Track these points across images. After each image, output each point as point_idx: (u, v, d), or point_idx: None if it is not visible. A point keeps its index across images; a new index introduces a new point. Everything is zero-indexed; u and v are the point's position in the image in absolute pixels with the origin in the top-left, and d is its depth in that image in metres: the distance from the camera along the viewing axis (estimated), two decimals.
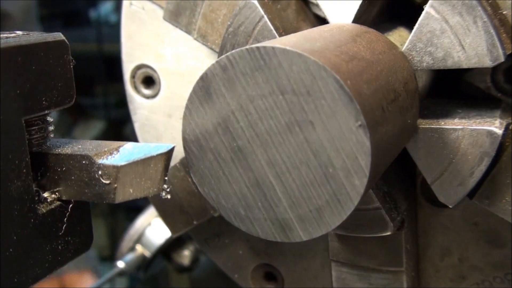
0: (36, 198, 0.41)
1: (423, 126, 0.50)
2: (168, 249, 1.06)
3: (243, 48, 0.39)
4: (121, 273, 1.02)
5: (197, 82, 0.41)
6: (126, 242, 1.04)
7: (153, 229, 1.02)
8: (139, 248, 1.03)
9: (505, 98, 0.56)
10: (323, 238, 0.61)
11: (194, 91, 0.41)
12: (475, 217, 0.58)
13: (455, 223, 0.59)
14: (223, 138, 0.41)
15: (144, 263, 1.04)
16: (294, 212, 0.40)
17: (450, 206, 0.52)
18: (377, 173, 0.42)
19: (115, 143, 0.43)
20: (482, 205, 0.52)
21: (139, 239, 1.03)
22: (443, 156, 0.50)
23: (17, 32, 0.42)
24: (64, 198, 0.43)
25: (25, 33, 0.42)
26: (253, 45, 0.39)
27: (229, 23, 0.53)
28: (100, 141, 0.44)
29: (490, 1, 0.48)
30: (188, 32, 0.59)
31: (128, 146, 0.43)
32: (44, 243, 0.42)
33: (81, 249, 0.45)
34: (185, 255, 1.07)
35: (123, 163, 0.40)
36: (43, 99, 0.41)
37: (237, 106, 0.40)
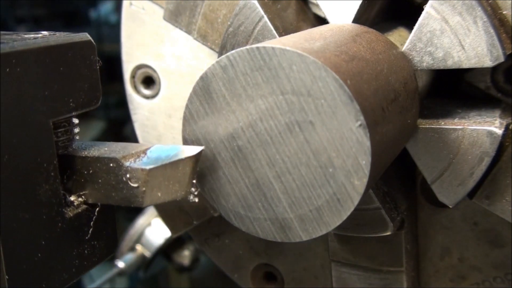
0: (63, 202, 0.40)
1: (423, 126, 0.50)
2: (168, 249, 1.06)
3: (243, 48, 0.39)
4: (121, 273, 1.02)
5: (197, 82, 0.41)
6: (126, 242, 1.04)
7: (153, 229, 1.03)
8: (139, 248, 1.03)
9: (505, 98, 0.57)
10: (323, 238, 0.61)
11: (194, 91, 0.41)
12: (475, 217, 0.58)
13: (455, 223, 0.59)
14: (223, 138, 0.41)
15: (144, 263, 1.04)
16: (294, 212, 0.40)
17: (450, 206, 0.52)
18: (377, 173, 0.42)
19: (142, 146, 0.42)
20: (482, 205, 0.52)
21: (139, 239, 1.03)
22: (443, 156, 0.50)
23: (43, 32, 0.41)
24: (90, 201, 0.42)
25: (52, 33, 0.41)
26: (253, 45, 0.39)
27: (229, 23, 0.53)
28: (126, 143, 0.43)
29: (490, 1, 0.48)
30: (188, 32, 0.59)
31: (155, 148, 0.42)
32: (71, 247, 0.41)
33: (106, 254, 0.44)
34: (185, 255, 1.07)
35: (151, 166, 0.39)
36: (70, 100, 0.40)
37: (237, 106, 0.40)
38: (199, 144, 0.42)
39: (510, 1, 0.48)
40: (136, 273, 1.10)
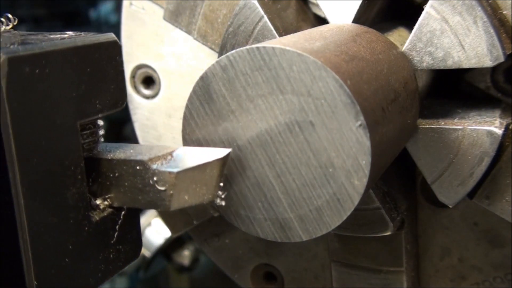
0: (89, 205, 0.39)
1: (423, 126, 0.50)
2: (168, 249, 1.06)
3: (243, 48, 0.39)
4: (121, 273, 1.02)
5: (197, 82, 0.41)
6: None
7: (153, 229, 1.02)
8: None
9: (505, 98, 0.57)
10: (323, 239, 0.61)
11: (194, 91, 0.41)
12: (475, 217, 0.58)
13: (455, 223, 0.59)
14: (223, 138, 0.41)
15: (144, 263, 1.04)
16: (294, 212, 0.40)
17: (450, 206, 0.52)
18: (377, 173, 0.42)
19: (168, 148, 0.41)
20: (482, 205, 0.52)
21: None
22: (443, 156, 0.50)
23: (68, 32, 0.40)
24: (115, 205, 0.41)
25: (77, 34, 0.40)
26: (253, 45, 0.39)
27: (229, 23, 0.53)
28: (151, 145, 0.42)
29: (490, 1, 0.48)
30: (188, 32, 0.59)
31: (181, 151, 0.41)
32: (97, 251, 0.40)
33: (131, 258, 0.44)
34: (185, 255, 1.07)
35: (179, 169, 0.38)
36: (97, 102, 0.39)
37: (237, 106, 0.40)
38: (200, 144, 0.42)
39: (510, 1, 0.48)
40: (136, 273, 1.10)
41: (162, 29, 0.63)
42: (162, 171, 0.38)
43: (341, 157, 0.38)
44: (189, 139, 0.43)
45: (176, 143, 0.64)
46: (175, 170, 0.38)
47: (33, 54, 0.35)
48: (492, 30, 0.46)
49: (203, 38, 0.59)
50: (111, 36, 0.41)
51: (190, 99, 0.42)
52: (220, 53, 0.55)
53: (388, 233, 0.53)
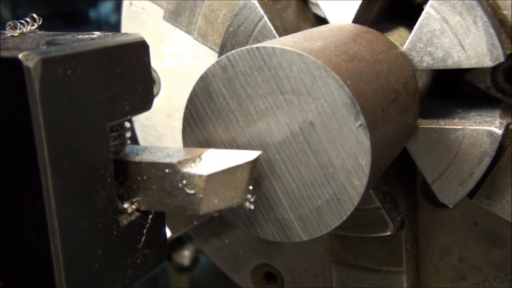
0: (117, 209, 0.39)
1: (423, 126, 0.50)
2: (168, 249, 1.06)
3: (243, 48, 0.39)
4: None
5: (197, 82, 0.41)
6: None
7: None
8: None
9: (505, 98, 0.57)
10: (323, 238, 0.61)
11: (194, 91, 0.41)
12: (475, 217, 0.58)
13: (455, 223, 0.59)
14: (223, 139, 0.41)
15: None
16: (294, 212, 0.40)
17: (450, 206, 0.52)
18: (377, 173, 0.42)
19: (195, 150, 0.40)
20: (482, 205, 0.52)
21: None
22: (443, 156, 0.50)
23: (96, 32, 0.40)
24: (143, 208, 0.40)
25: (106, 34, 0.39)
26: (253, 45, 0.39)
27: (229, 23, 0.53)
28: (178, 148, 0.41)
29: (490, 1, 0.48)
30: (188, 32, 0.60)
31: (210, 153, 0.40)
32: (125, 256, 0.39)
33: (157, 262, 0.43)
34: (185, 255, 1.07)
35: (209, 173, 0.37)
36: (126, 103, 0.38)
37: (237, 106, 0.40)
38: (200, 144, 0.42)
39: (510, 1, 0.48)
40: None
41: (162, 29, 0.63)
42: (192, 174, 0.37)
43: (341, 157, 0.38)
44: (189, 139, 0.43)
45: (176, 143, 0.64)
46: (205, 173, 0.37)
47: (66, 55, 0.34)
48: (492, 30, 0.46)
49: (203, 38, 0.59)
50: (139, 36, 0.40)
51: (190, 99, 0.42)
52: (220, 53, 0.55)
53: (388, 233, 0.53)
